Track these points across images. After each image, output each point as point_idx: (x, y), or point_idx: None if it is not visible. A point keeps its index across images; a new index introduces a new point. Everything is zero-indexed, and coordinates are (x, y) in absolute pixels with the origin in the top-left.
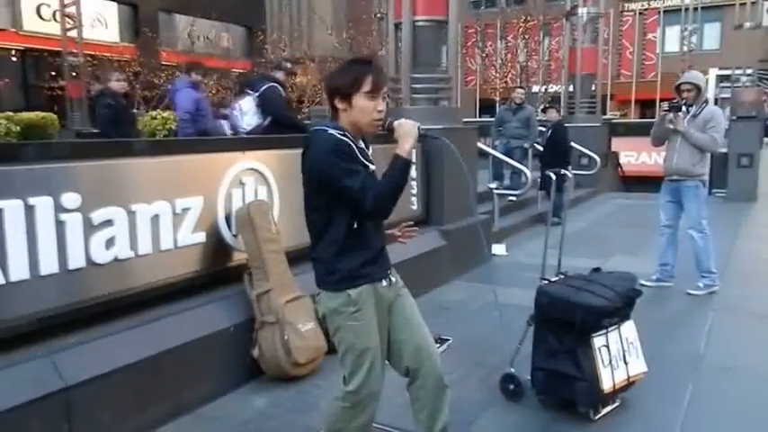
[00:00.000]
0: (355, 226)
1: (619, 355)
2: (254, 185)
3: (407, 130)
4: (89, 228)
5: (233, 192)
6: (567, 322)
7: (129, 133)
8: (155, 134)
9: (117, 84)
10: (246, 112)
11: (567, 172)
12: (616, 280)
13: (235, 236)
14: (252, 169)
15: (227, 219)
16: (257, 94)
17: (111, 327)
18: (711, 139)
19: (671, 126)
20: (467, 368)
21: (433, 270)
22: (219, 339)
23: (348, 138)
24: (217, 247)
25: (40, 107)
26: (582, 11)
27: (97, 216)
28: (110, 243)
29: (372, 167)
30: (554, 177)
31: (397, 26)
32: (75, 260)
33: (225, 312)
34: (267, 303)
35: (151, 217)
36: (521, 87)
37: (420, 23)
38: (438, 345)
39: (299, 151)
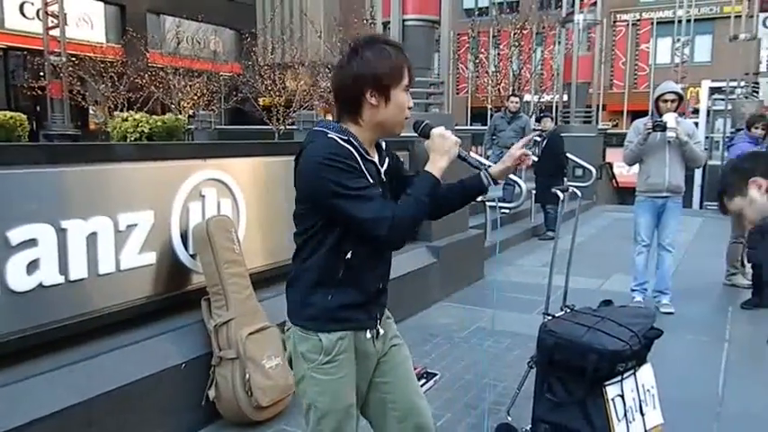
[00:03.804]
0: (349, 256)
1: (635, 405)
2: (217, 198)
3: (447, 148)
4: (5, 249)
5: (191, 205)
6: (576, 367)
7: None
8: (125, 137)
9: None
10: None
11: (556, 190)
12: (632, 317)
13: (193, 256)
14: (214, 179)
15: (184, 236)
16: None
17: (32, 367)
18: (702, 151)
19: (670, 140)
20: (456, 411)
21: (421, 291)
22: (169, 379)
23: (354, 145)
24: (171, 270)
25: (22, 108)
26: (578, 17)
27: (16, 235)
28: (33, 267)
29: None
30: (560, 194)
31: (386, 26)
32: None
33: (176, 346)
34: (227, 336)
35: (87, 235)
36: (515, 95)
37: (410, 23)
38: (423, 381)
39: (271, 159)
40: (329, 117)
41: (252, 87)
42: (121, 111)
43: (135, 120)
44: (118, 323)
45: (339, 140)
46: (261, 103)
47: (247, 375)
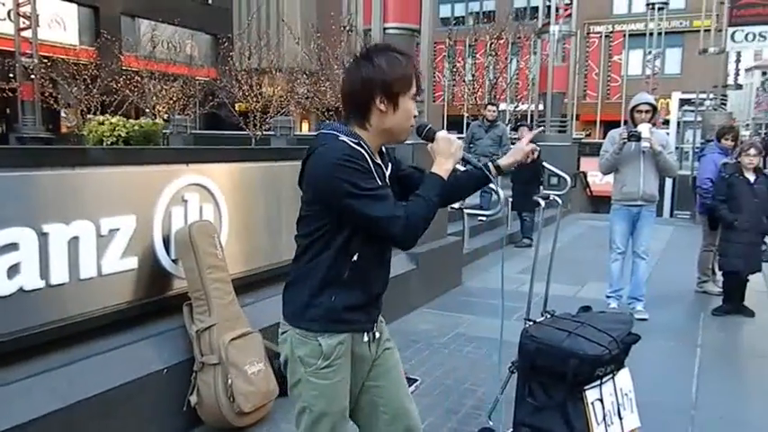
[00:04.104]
0: (355, 258)
1: (613, 409)
2: (199, 203)
3: (453, 150)
4: None
5: (173, 210)
6: (556, 372)
7: None
8: (102, 141)
9: None
10: None
11: (538, 198)
12: (611, 322)
13: (174, 261)
14: (196, 184)
15: (166, 241)
16: None
17: (11, 372)
18: (675, 161)
19: (645, 150)
20: (438, 416)
21: (401, 297)
22: (150, 384)
23: (365, 149)
24: (152, 275)
25: None
26: (554, 28)
27: None
28: (13, 271)
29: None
30: (542, 202)
31: (367, 33)
32: None
33: (158, 352)
34: (209, 341)
35: (69, 240)
36: (492, 104)
37: (391, 31)
38: None
39: (252, 165)
40: (305, 124)
41: (228, 92)
42: (95, 114)
43: (112, 123)
44: (99, 328)
45: (351, 143)
46: (237, 109)
47: (230, 381)
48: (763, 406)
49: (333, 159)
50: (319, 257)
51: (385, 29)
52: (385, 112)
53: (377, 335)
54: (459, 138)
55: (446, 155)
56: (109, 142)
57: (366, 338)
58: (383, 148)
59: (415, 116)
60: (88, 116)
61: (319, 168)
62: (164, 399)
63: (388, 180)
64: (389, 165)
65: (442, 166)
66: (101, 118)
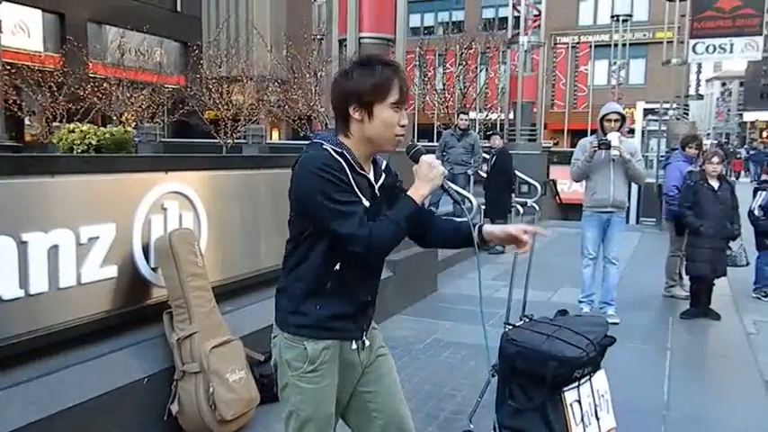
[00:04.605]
0: (337, 268)
1: (591, 410)
2: (179, 211)
3: (432, 176)
4: None
5: (152, 218)
6: (536, 374)
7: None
8: (72, 149)
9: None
10: None
11: (516, 205)
12: (588, 325)
13: (154, 269)
14: (176, 192)
15: (145, 250)
16: None
17: None
18: (644, 169)
19: (615, 158)
20: (418, 421)
21: (379, 304)
22: (130, 394)
23: (347, 158)
24: (132, 283)
25: None
26: (522, 39)
27: None
28: None
29: (366, 204)
30: (521, 208)
31: (342, 43)
32: None
33: (138, 360)
34: (190, 349)
35: (48, 248)
36: (465, 113)
37: (366, 41)
38: None
39: (230, 173)
40: (276, 132)
41: (199, 100)
42: (60, 122)
43: (82, 131)
44: (78, 337)
45: (332, 152)
46: (207, 117)
47: (211, 389)
48: (729, 404)
49: (310, 167)
50: (302, 265)
51: (360, 38)
52: (361, 120)
53: (366, 342)
54: (430, 145)
55: (425, 180)
56: (80, 150)
57: (354, 346)
58: (379, 160)
59: (403, 125)
60: (54, 124)
61: (299, 176)
62: (144, 408)
63: (377, 190)
64: (383, 175)
65: (419, 191)
66: (71, 126)
